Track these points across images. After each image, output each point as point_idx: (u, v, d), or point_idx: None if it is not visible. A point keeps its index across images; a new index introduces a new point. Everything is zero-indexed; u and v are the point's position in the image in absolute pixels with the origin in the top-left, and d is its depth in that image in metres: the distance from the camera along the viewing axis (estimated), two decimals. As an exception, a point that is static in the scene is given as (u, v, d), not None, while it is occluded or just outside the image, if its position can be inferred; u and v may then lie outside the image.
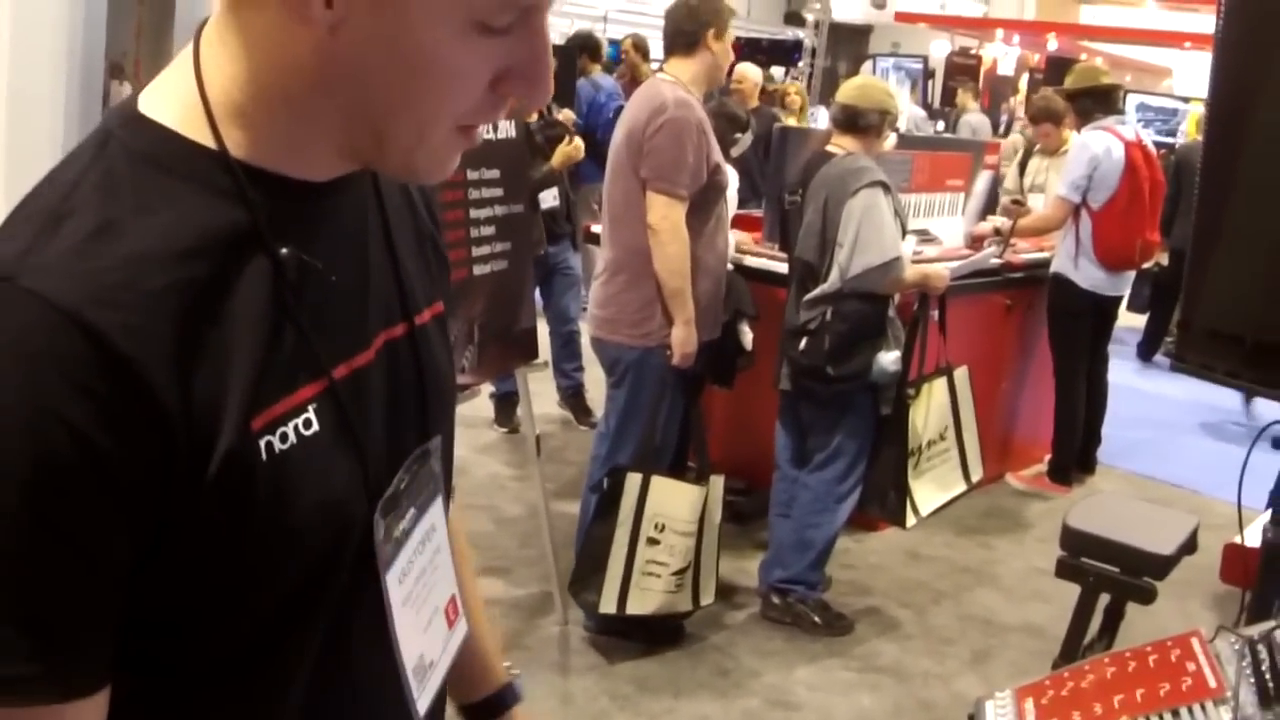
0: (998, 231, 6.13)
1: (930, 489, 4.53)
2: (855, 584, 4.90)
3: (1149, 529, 3.44)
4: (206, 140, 0.90)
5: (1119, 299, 6.16)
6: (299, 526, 0.92)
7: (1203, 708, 1.76)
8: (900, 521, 4.43)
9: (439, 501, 1.14)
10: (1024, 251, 6.23)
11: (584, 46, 9.00)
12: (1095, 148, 5.81)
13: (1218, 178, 2.21)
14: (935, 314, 4.40)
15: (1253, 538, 2.68)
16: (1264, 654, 1.78)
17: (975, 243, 6.13)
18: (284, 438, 0.90)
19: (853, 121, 4.14)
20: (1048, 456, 6.40)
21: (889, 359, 4.10)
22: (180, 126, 0.90)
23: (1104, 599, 3.53)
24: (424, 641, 1.09)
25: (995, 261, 5.60)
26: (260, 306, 0.90)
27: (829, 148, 4.23)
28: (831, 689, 4.06)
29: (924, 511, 4.47)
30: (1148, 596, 3.28)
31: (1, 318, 0.80)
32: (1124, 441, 6.87)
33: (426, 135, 0.90)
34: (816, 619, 4.38)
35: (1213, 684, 1.80)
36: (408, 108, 0.89)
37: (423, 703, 1.09)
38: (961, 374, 4.57)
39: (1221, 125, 2.24)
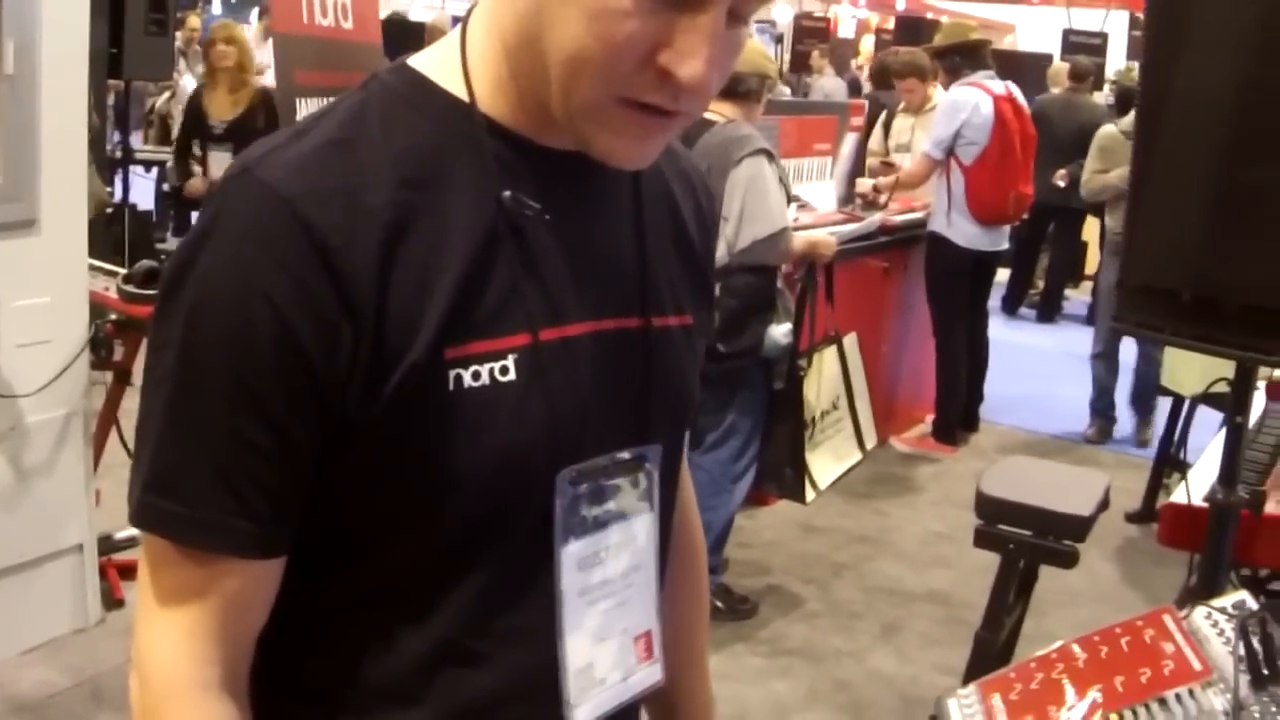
0: (876, 190, 6.04)
1: (826, 461, 4.44)
2: (753, 563, 4.76)
3: (1063, 490, 3.35)
4: (460, 92, 0.97)
5: (997, 255, 6.12)
6: (474, 465, 0.93)
7: (1191, 693, 1.64)
8: (800, 498, 4.32)
9: (650, 519, 1.09)
10: (897, 213, 6.16)
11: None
12: (962, 104, 5.76)
13: (1147, 138, 2.18)
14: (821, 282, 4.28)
15: (1181, 495, 2.58)
16: (1254, 630, 1.65)
17: (849, 205, 6.04)
18: (476, 376, 0.93)
19: (731, 87, 3.96)
20: (930, 417, 6.37)
21: (780, 331, 3.96)
22: (437, 77, 0.98)
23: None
24: (598, 653, 1.05)
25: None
26: (475, 246, 0.94)
27: (707, 115, 4.04)
28: (742, 677, 3.91)
29: (822, 485, 4.38)
30: (1070, 560, 3.19)
31: (232, 200, 0.90)
32: (1001, 397, 6.85)
33: (583, 89, 0.90)
34: (719, 604, 4.23)
35: (1197, 666, 1.68)
36: (564, 50, 0.89)
37: (580, 716, 1.04)
38: (850, 341, 4.48)
39: (1149, 86, 2.21)
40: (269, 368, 0.88)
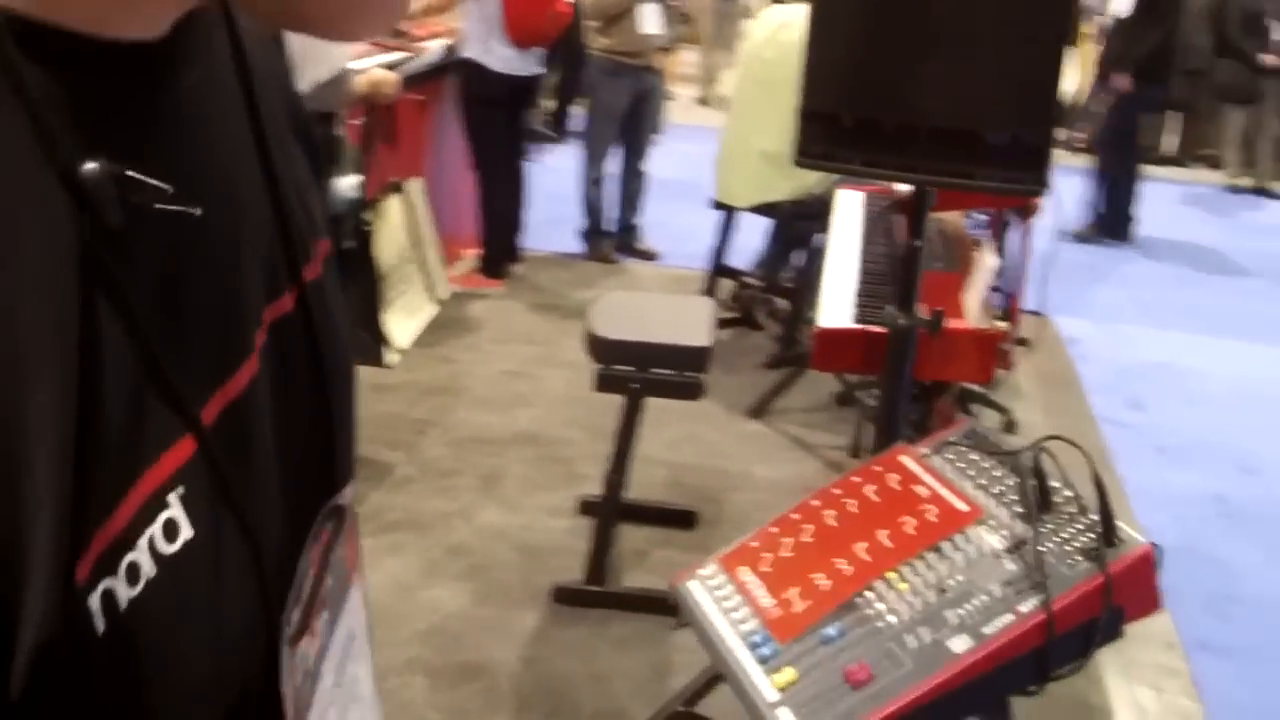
0: (411, 18, 5.68)
1: (401, 319, 4.19)
2: (329, 434, 4.45)
3: (674, 322, 3.29)
4: None
5: (536, 79, 5.93)
6: (170, 709, 0.50)
7: (967, 537, 1.57)
8: (378, 361, 4.05)
9: (355, 592, 0.71)
10: (425, 40, 5.82)
11: None
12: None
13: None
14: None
15: (828, 319, 2.55)
16: (1026, 464, 1.60)
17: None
18: (133, 574, 0.47)
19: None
20: (475, 252, 6.18)
21: (347, 184, 3.63)
22: None
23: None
24: None
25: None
26: (58, 302, 0.44)
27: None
28: (353, 559, 3.66)
29: (403, 345, 4.11)
30: (698, 391, 3.15)
31: None
32: (534, 222, 6.75)
33: None
34: (310, 487, 3.93)
35: (964, 508, 1.62)
36: None
37: None
38: (416, 187, 4.20)
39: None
40: None
